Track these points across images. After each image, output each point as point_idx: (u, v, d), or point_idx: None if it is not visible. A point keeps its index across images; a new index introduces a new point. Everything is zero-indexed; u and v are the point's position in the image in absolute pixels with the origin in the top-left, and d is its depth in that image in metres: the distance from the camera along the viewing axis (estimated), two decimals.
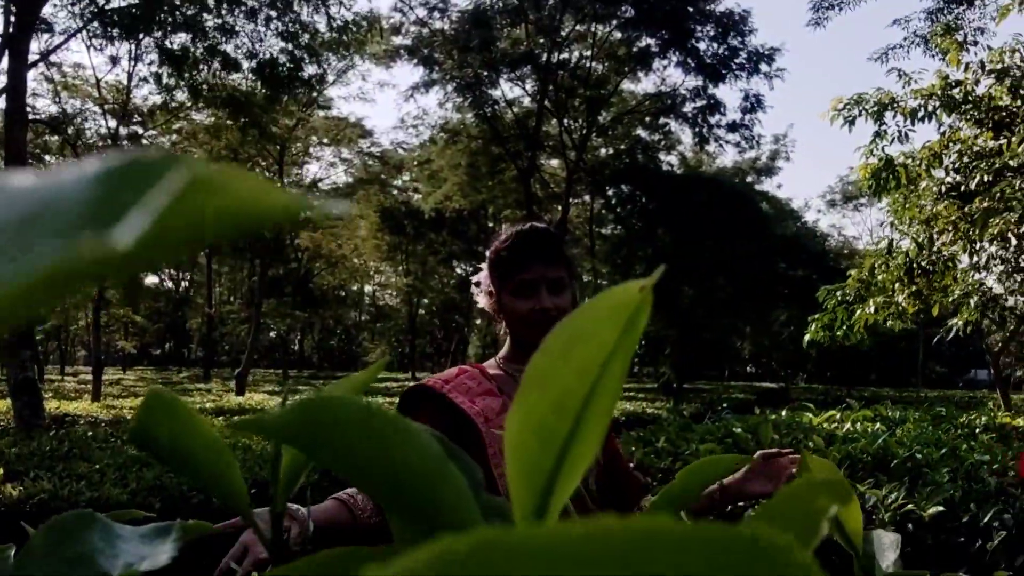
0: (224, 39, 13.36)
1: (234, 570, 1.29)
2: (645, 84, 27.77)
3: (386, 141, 41.63)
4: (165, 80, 14.27)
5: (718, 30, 23.39)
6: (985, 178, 7.74)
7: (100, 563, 0.42)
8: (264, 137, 17.63)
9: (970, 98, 8.43)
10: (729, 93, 50.66)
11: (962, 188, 8.27)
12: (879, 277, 9.11)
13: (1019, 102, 8.19)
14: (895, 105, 8.70)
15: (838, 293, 9.66)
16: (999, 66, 8.31)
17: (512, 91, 25.60)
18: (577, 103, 25.41)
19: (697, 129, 25.21)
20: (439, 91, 24.60)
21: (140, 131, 21.03)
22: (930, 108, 8.53)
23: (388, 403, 15.19)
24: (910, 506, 2.73)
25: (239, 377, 20.99)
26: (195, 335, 54.66)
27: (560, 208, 26.38)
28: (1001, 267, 8.34)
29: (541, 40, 23.57)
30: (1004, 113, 8.35)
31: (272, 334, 47.51)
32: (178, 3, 12.76)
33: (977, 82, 8.48)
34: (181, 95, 15.79)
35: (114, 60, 17.90)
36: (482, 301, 1.85)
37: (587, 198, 31.50)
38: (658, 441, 3.84)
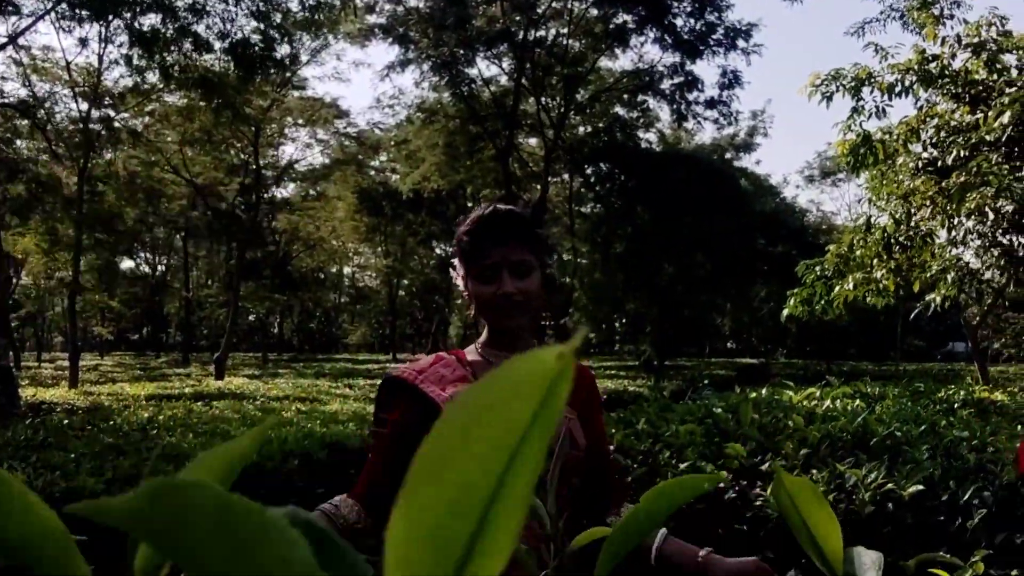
0: (195, 19, 13.15)
1: None
2: (623, 61, 27.70)
3: (362, 121, 41.24)
4: (136, 62, 14.06)
5: (695, 6, 23.30)
6: (962, 153, 7.74)
7: None
8: (238, 118, 17.39)
9: (947, 72, 8.42)
10: (707, 69, 50.65)
11: (939, 163, 8.28)
12: (857, 252, 9.12)
13: (995, 76, 8.19)
14: (872, 80, 8.68)
15: (817, 268, 9.67)
16: (975, 40, 8.30)
17: (489, 70, 25.50)
18: (554, 81, 25.28)
19: (675, 106, 25.17)
20: (415, 70, 24.43)
21: (112, 114, 20.70)
22: (907, 83, 8.52)
23: (369, 385, 15.15)
24: (890, 485, 2.71)
25: (218, 361, 20.86)
26: (173, 320, 54.30)
27: (539, 187, 26.30)
28: (978, 241, 8.36)
29: (517, 17, 23.40)
30: (980, 87, 8.34)
31: (251, 317, 47.30)
32: None
33: (954, 56, 8.47)
34: (153, 77, 15.56)
35: (83, 42, 17.57)
36: (460, 284, 1.82)
37: (566, 177, 31.42)
38: (638, 422, 3.81)
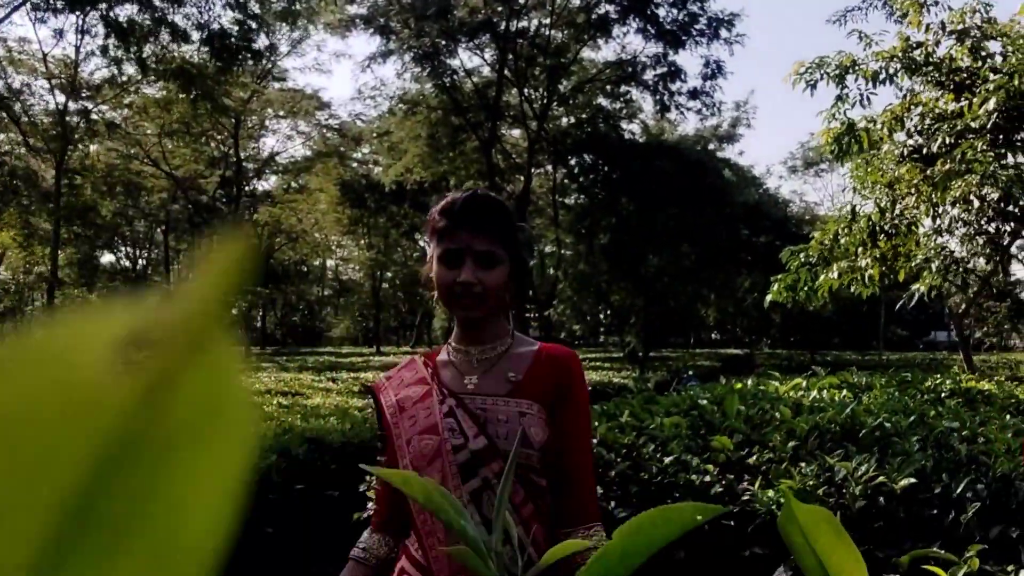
0: (172, 8, 12.95)
1: None
2: (605, 52, 27.56)
3: (344, 113, 41.03)
4: (112, 52, 13.85)
5: None
6: (947, 140, 7.69)
7: None
8: (216, 110, 17.20)
9: (931, 60, 8.36)
10: (689, 60, 50.55)
11: (924, 151, 8.22)
12: (842, 241, 9.07)
13: (979, 63, 8.14)
14: (856, 68, 8.61)
15: (801, 255, 9.62)
16: (960, 27, 8.24)
17: (471, 60, 25.31)
18: (537, 72, 25.17)
19: (658, 96, 25.14)
20: (397, 61, 24.28)
21: (89, 106, 20.43)
22: (891, 71, 8.46)
23: (352, 378, 15.02)
24: (881, 478, 2.64)
25: None
26: None
27: (522, 178, 26.20)
28: (964, 229, 8.32)
29: (499, 8, 23.25)
30: (965, 74, 8.29)
31: (233, 311, 46.83)
32: None
33: (938, 43, 8.41)
34: (130, 68, 15.34)
35: (59, 33, 17.34)
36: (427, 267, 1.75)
37: (549, 168, 31.33)
38: (622, 415, 3.72)
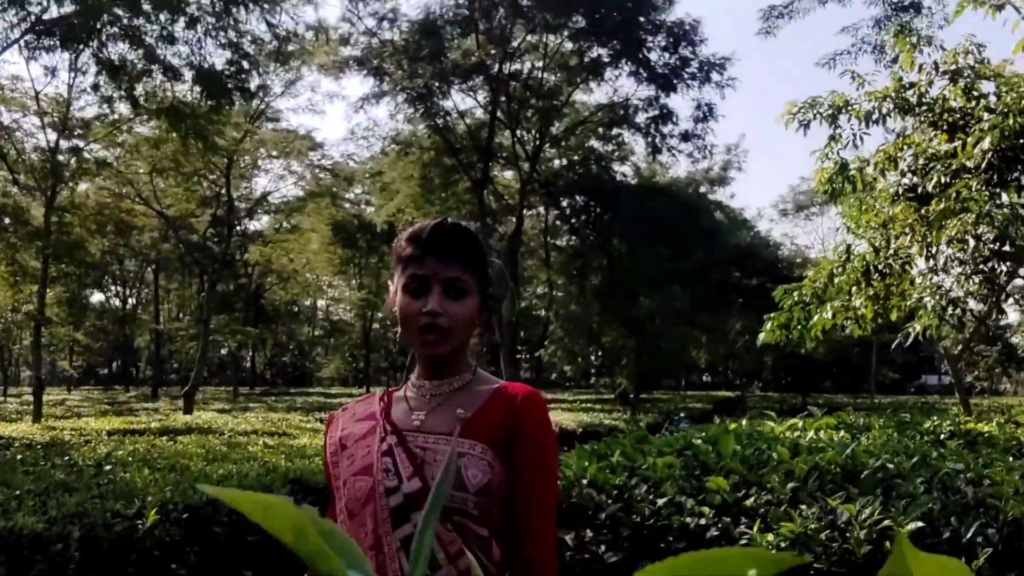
0: (164, 47, 12.92)
1: None
2: (597, 95, 27.63)
3: (337, 153, 40.91)
4: (103, 91, 13.79)
5: (669, 40, 23.38)
6: (942, 179, 7.65)
7: None
8: (208, 148, 17.11)
9: (924, 100, 8.35)
10: (681, 103, 51.09)
11: (919, 190, 8.18)
12: (836, 281, 8.99)
13: (973, 103, 8.12)
14: (849, 108, 8.60)
15: (795, 293, 9.54)
16: (953, 67, 8.24)
17: (464, 102, 25.40)
18: (530, 114, 25.27)
19: (650, 139, 25.20)
20: (390, 102, 24.31)
21: (81, 144, 20.37)
22: (884, 111, 8.44)
23: None
24: (887, 522, 2.51)
25: (187, 395, 20.44)
26: (143, 353, 53.52)
27: (514, 220, 26.19)
28: (959, 269, 8.25)
29: (492, 51, 23.38)
30: (958, 115, 8.28)
31: (223, 351, 46.63)
32: (119, 13, 12.29)
33: (931, 83, 8.41)
34: (122, 107, 15.28)
35: (52, 71, 17.30)
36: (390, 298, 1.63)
37: (541, 209, 31.38)
38: (613, 455, 3.59)
